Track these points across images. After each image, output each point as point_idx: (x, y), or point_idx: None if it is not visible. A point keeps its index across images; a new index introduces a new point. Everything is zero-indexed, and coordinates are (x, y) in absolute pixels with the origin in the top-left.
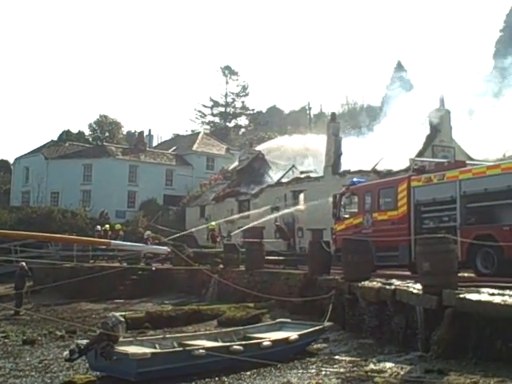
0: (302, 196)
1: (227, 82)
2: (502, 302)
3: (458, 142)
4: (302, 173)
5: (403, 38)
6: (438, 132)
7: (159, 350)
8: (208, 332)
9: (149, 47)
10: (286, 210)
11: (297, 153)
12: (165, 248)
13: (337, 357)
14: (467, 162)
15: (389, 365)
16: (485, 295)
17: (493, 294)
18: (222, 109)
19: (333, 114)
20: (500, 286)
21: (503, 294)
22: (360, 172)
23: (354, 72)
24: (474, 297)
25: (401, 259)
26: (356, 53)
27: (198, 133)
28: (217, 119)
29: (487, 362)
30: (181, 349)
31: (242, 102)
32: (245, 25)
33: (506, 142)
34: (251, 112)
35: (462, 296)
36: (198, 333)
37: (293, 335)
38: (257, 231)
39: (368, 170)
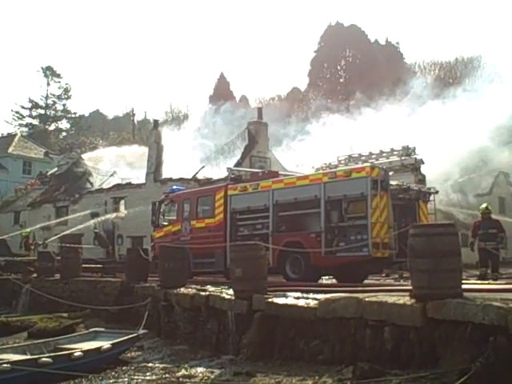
0: (122, 203)
1: (48, 84)
2: (306, 305)
3: (275, 154)
4: (123, 179)
5: (226, 51)
6: (256, 143)
7: None
8: (16, 345)
9: None
10: (106, 217)
11: (120, 160)
12: None
13: (150, 364)
14: (280, 172)
15: (200, 369)
16: (291, 299)
17: (298, 298)
18: (42, 111)
19: (155, 122)
20: (305, 289)
21: (307, 298)
22: (181, 180)
23: (178, 81)
24: (280, 300)
25: (217, 266)
26: (180, 61)
27: (15, 135)
28: (36, 121)
29: (291, 361)
30: None
31: (64, 105)
32: (66, 25)
33: (317, 155)
34: (73, 115)
35: (270, 300)
36: (4, 346)
37: (105, 344)
38: (75, 238)
39: (189, 178)
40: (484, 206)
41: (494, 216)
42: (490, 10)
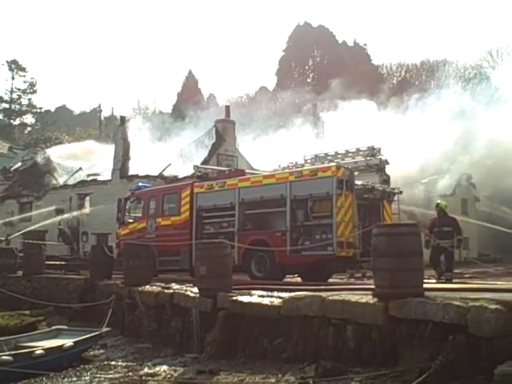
0: (87, 199)
1: (13, 78)
2: (270, 303)
3: (242, 152)
4: (88, 175)
5: (194, 48)
6: (223, 141)
7: None
8: None
9: None
10: (71, 214)
11: (86, 156)
12: None
13: (113, 362)
14: (247, 170)
15: (163, 368)
16: (255, 297)
17: (262, 296)
18: (7, 105)
19: (122, 118)
20: (269, 288)
21: (271, 296)
22: (147, 177)
23: (146, 77)
24: (245, 299)
25: (182, 263)
26: (148, 57)
27: None
28: (0, 116)
29: (255, 360)
30: None
31: (29, 100)
32: (32, 18)
33: (283, 154)
34: (38, 110)
35: (234, 298)
36: None
37: (68, 342)
38: (38, 235)
39: (155, 175)
40: (441, 201)
41: (457, 217)
42: (455, 13)
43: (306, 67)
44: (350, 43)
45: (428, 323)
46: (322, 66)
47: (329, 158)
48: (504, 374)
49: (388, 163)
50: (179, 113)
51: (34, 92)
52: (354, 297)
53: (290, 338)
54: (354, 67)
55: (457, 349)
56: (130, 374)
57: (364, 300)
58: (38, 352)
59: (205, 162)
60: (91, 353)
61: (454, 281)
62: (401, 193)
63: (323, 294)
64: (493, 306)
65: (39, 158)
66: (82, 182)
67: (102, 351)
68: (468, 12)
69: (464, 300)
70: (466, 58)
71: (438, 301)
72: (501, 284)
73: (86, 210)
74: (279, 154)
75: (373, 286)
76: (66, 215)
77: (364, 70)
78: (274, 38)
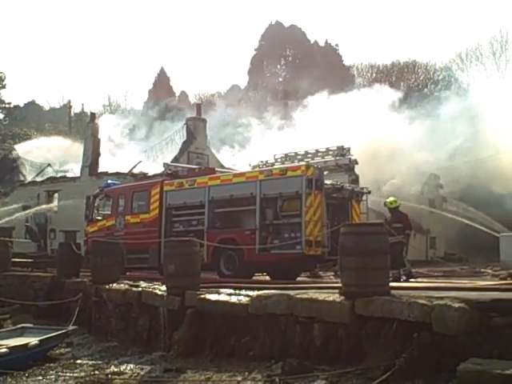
0: (55, 196)
1: None
2: (238, 301)
3: (213, 150)
4: (57, 172)
5: (166, 46)
6: (194, 139)
7: None
8: None
9: None
10: (38, 210)
11: (56, 153)
12: None
13: (79, 361)
14: (217, 169)
15: (130, 366)
16: (223, 295)
17: (230, 294)
18: None
19: (92, 115)
20: (238, 286)
21: (239, 294)
22: (117, 174)
23: (116, 73)
24: (213, 297)
25: (151, 261)
26: (120, 54)
27: None
28: None
29: (222, 358)
30: None
31: None
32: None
33: (253, 152)
34: (7, 106)
35: (202, 296)
36: None
37: (33, 341)
38: (5, 232)
39: (125, 172)
40: (389, 199)
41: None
42: (425, 15)
43: (278, 66)
44: (322, 43)
45: (393, 321)
46: (293, 66)
47: (298, 157)
48: (466, 370)
49: (357, 163)
50: (150, 110)
51: (3, 87)
52: (321, 295)
53: (258, 336)
54: (325, 67)
55: (421, 346)
56: (96, 372)
57: (331, 298)
58: (2, 350)
59: (175, 159)
60: (57, 351)
61: (420, 280)
62: (369, 192)
63: (291, 292)
64: (457, 305)
65: (7, 154)
66: (51, 179)
67: (68, 349)
68: (438, 14)
69: (429, 298)
70: (436, 60)
71: (403, 299)
72: (465, 283)
73: (53, 205)
74: (250, 153)
75: (340, 285)
76: (31, 210)
77: (335, 70)
78: (246, 37)
